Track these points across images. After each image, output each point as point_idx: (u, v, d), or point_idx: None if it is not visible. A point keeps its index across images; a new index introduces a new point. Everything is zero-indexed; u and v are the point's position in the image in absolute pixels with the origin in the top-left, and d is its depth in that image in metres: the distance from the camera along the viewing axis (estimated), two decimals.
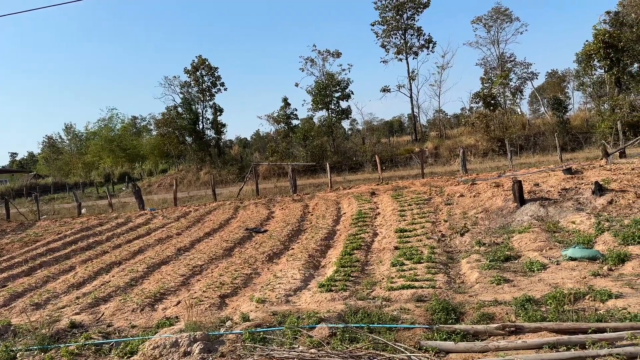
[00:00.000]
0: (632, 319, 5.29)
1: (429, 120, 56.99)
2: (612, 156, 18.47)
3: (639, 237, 8.72)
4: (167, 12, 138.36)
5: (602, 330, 5.03)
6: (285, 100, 46.03)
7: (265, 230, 14.94)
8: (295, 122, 47.10)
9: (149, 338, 6.12)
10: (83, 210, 26.95)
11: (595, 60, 35.87)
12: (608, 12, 36.47)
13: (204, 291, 9.07)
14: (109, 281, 10.89)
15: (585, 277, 7.23)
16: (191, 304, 7.35)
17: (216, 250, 12.83)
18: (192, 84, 48.61)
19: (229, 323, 6.49)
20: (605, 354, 4.56)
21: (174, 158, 54.16)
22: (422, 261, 9.33)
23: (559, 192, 12.69)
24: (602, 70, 36.88)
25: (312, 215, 16.55)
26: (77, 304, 9.16)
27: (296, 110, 47.21)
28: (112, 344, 6.41)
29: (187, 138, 49.34)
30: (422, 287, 7.66)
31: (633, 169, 14.16)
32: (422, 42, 46.43)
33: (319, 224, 14.69)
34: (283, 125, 46.61)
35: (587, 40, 35.41)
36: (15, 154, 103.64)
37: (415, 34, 46.22)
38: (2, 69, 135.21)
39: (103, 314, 8.28)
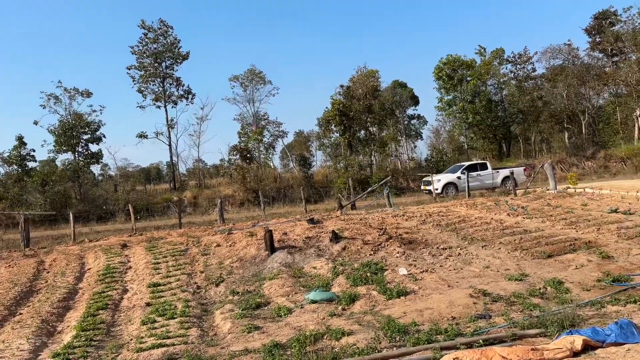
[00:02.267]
0: (360, 353, 6.10)
1: (189, 169, 56.59)
2: (345, 208, 21.48)
3: (365, 278, 10.24)
4: None
5: None
6: (20, 138, 39.94)
7: None
8: (32, 164, 41.16)
9: None
10: None
11: (333, 125, 42.29)
12: (342, 86, 43.63)
13: None
14: None
15: (324, 318, 8.05)
16: None
17: None
18: None
19: None
20: None
21: None
22: (175, 316, 9.00)
23: (303, 240, 14.03)
24: (338, 134, 43.40)
25: (48, 272, 14.35)
26: None
27: (34, 151, 41.36)
28: None
29: None
30: (174, 345, 7.37)
31: (361, 219, 16.75)
32: (182, 92, 46.62)
33: (57, 283, 12.83)
34: (16, 167, 40.11)
35: (327, 107, 41.55)
36: None
37: (175, 84, 46.22)
38: None
39: None
